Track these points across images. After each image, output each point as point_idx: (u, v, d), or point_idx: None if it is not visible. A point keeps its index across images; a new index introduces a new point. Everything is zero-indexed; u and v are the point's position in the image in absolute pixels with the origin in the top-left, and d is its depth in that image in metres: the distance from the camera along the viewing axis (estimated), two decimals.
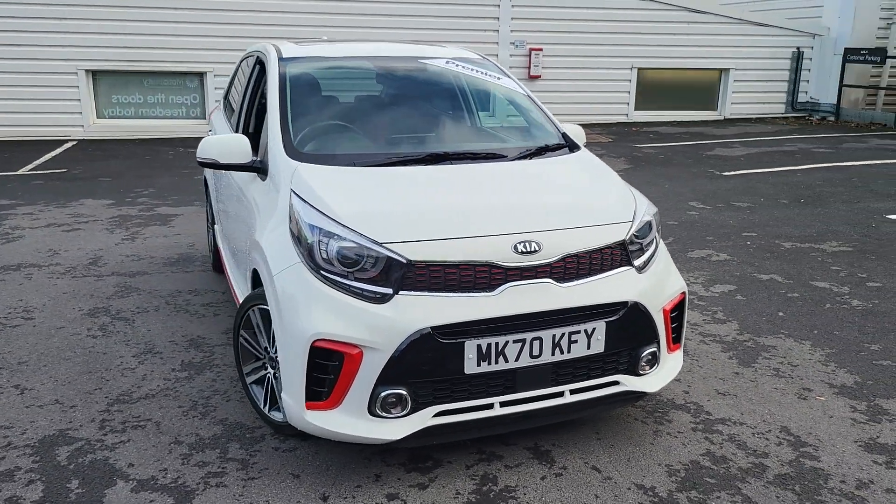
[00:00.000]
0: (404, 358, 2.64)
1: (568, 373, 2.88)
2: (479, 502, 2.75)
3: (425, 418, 2.74)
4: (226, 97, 5.32)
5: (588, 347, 2.86)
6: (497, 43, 14.12)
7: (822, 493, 2.81)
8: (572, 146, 3.70)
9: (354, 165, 3.23)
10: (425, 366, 2.67)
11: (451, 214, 2.90)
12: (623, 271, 2.97)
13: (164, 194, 8.30)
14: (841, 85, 14.98)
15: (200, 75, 13.10)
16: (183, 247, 6.24)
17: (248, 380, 3.34)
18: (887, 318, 4.63)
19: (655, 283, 3.03)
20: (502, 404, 2.81)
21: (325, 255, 2.75)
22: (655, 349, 3.04)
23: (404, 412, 2.72)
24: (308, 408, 2.74)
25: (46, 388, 3.66)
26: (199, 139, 3.79)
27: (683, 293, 3.17)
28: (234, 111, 4.54)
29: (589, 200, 3.19)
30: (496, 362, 2.74)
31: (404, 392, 2.69)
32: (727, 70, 15.16)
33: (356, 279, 2.71)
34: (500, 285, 2.76)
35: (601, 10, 14.26)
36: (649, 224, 3.13)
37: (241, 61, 5.09)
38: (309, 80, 3.82)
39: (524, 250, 2.79)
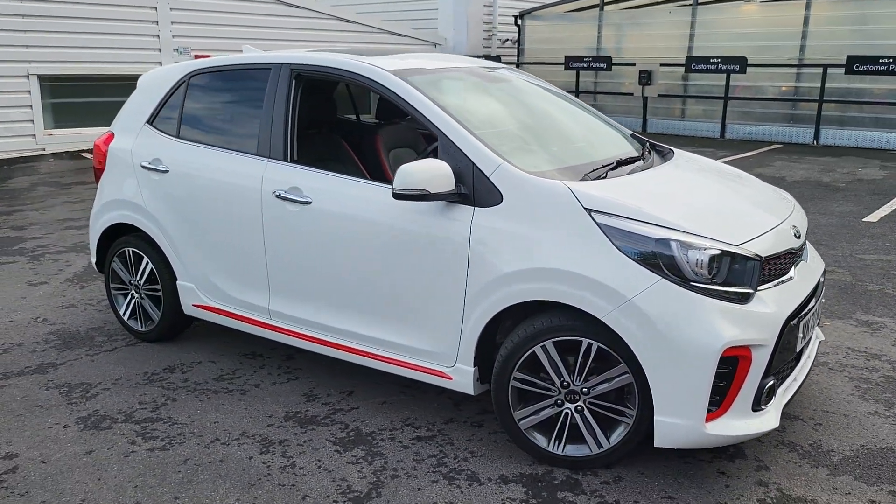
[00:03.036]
0: (777, 349, 2.82)
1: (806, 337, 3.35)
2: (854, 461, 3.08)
3: (781, 399, 2.95)
4: (154, 120, 4.22)
5: (819, 312, 3.37)
6: (159, 49, 12.85)
7: None
8: (658, 146, 4.07)
9: (586, 179, 3.13)
10: (784, 352, 2.89)
11: (747, 211, 3.11)
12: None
13: None
14: None
15: None
16: (29, 324, 4.71)
17: (524, 425, 3.02)
18: None
19: None
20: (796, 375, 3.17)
21: (693, 267, 2.74)
22: None
23: (773, 400, 2.90)
24: (707, 420, 2.72)
25: None
26: None
27: None
28: (257, 136, 3.72)
29: (769, 188, 3.65)
30: (804, 336, 3.08)
31: (773, 381, 2.87)
32: None
33: (717, 284, 2.77)
34: (791, 268, 3.10)
35: (259, 17, 14.02)
36: None
37: (191, 76, 4.12)
38: (447, 94, 3.45)
39: (796, 234, 3.17)
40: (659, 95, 14.49)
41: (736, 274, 2.79)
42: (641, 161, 3.57)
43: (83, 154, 11.79)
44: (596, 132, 3.91)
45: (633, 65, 14.59)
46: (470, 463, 3.08)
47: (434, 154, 3.66)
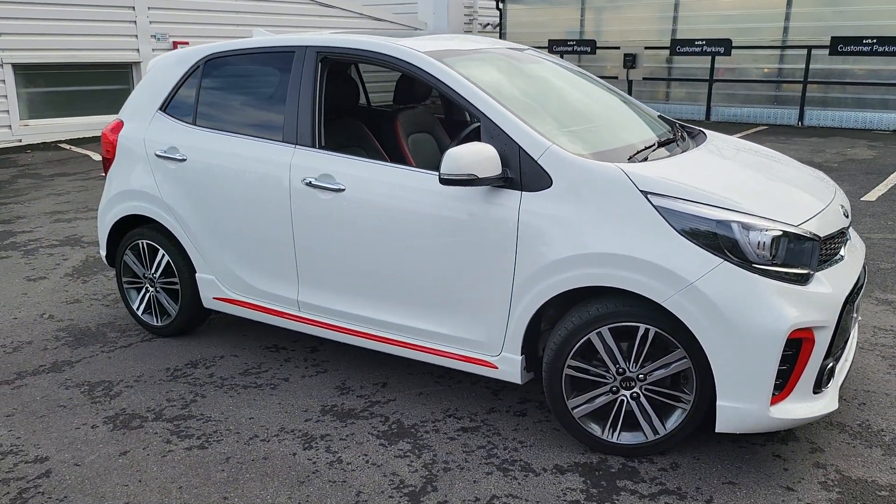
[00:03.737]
0: (837, 330, 2.78)
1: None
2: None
3: (838, 379, 2.92)
4: (167, 107, 4.06)
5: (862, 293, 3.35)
6: (136, 36, 12.52)
7: None
8: (688, 128, 4.01)
9: (632, 161, 3.06)
10: (842, 333, 2.86)
11: (797, 192, 3.07)
12: None
13: None
14: None
15: None
16: (35, 320, 4.54)
17: (578, 414, 2.96)
18: None
19: None
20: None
21: (755, 249, 2.68)
22: None
23: (832, 381, 2.86)
24: (772, 404, 2.68)
25: None
26: None
27: None
28: (282, 121, 3.58)
29: (807, 168, 3.61)
30: (856, 317, 3.05)
31: (832, 362, 2.84)
32: None
33: (778, 266, 2.72)
34: (842, 247, 3.06)
35: (239, 2, 13.72)
36: None
37: (206, 60, 3.97)
38: (483, 76, 3.34)
39: (845, 213, 3.14)
40: (644, 78, 14.49)
41: (796, 255, 2.75)
42: (678, 143, 3.51)
43: (62, 145, 11.47)
44: (626, 114, 3.84)
45: (618, 48, 14.56)
46: (521, 453, 3.01)
47: (467, 139, 3.57)
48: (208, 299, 4.01)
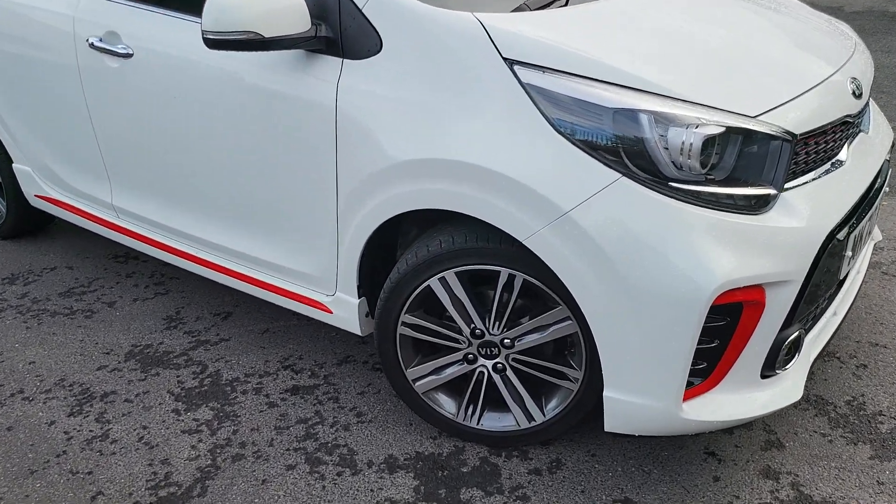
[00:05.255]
0: (809, 283, 1.76)
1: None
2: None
3: (808, 356, 1.93)
4: None
5: (879, 207, 2.27)
6: None
7: None
8: None
9: (523, 9, 1.97)
10: (820, 286, 1.83)
11: (778, 56, 1.95)
12: None
13: None
14: None
15: None
16: None
17: (421, 388, 2.08)
18: None
19: None
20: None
21: (675, 156, 1.64)
22: None
23: (795, 358, 1.87)
24: (685, 398, 1.73)
25: None
26: None
27: None
28: None
29: (819, 18, 2.43)
30: (854, 255, 2.00)
31: (799, 331, 1.83)
32: None
33: (715, 184, 1.67)
34: (844, 146, 1.98)
35: None
36: None
37: None
38: None
39: (856, 92, 2.01)
40: None
41: (749, 164, 1.69)
42: None
43: None
44: None
45: None
46: (351, 433, 2.17)
47: None
48: (31, 196, 3.17)
